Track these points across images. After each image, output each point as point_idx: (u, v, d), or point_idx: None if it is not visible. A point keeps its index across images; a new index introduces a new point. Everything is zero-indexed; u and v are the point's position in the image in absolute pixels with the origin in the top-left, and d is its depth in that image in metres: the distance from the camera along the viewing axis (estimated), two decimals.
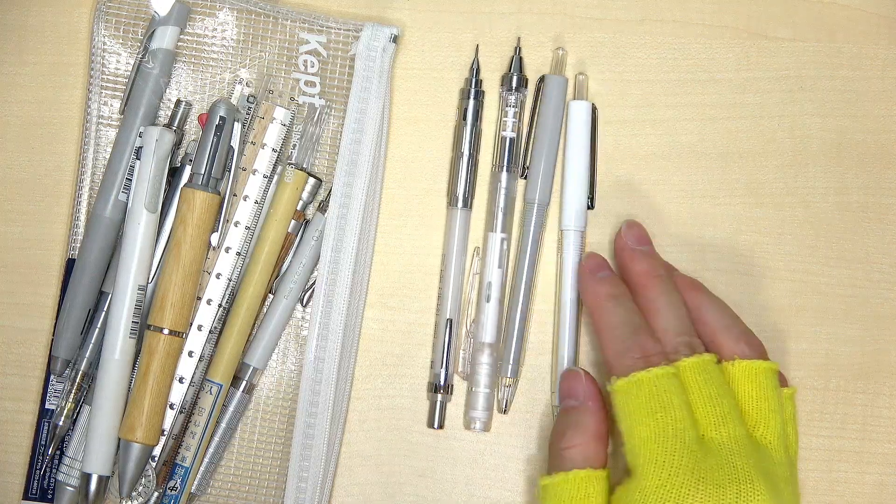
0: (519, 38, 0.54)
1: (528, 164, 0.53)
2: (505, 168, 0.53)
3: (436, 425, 0.52)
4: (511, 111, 0.53)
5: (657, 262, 0.51)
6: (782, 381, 0.50)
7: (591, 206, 0.53)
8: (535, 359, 0.53)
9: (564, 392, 0.50)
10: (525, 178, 0.53)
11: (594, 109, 0.54)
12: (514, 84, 0.53)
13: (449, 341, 0.52)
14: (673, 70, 0.55)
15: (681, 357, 0.47)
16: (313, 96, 0.53)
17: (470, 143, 0.53)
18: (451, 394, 0.53)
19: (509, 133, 0.53)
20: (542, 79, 0.54)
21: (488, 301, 0.52)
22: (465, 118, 0.53)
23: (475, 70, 0.54)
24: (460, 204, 0.53)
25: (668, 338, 0.48)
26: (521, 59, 0.54)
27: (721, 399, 0.47)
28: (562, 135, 0.54)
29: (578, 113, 0.53)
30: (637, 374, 0.47)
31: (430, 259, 0.54)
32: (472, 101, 0.53)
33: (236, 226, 0.51)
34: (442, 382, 0.52)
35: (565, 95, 0.54)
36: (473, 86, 0.54)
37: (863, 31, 0.55)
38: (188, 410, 0.51)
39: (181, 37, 0.53)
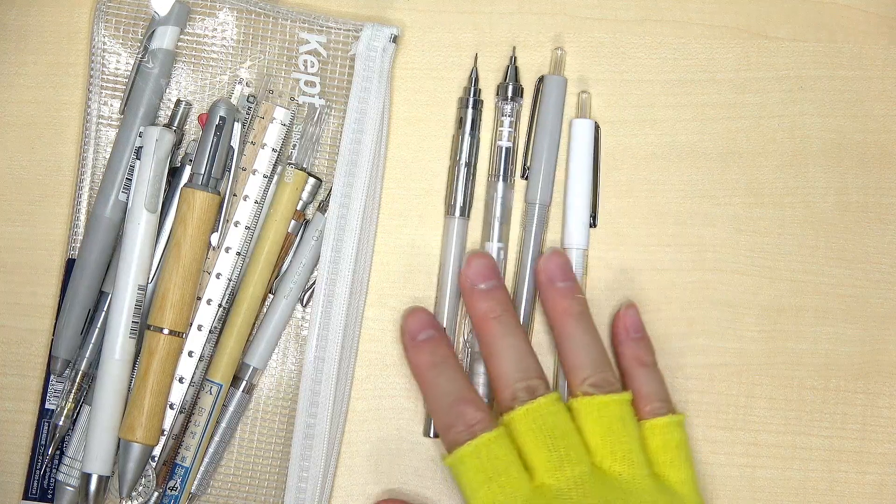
0: (514, 48, 0.54)
1: (528, 164, 0.53)
2: (501, 177, 0.53)
3: (431, 434, 0.52)
4: (507, 121, 0.53)
5: (495, 302, 0.50)
6: (659, 409, 0.50)
7: (593, 225, 0.53)
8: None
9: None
10: (526, 178, 0.53)
11: (597, 128, 0.53)
12: (509, 93, 0.53)
13: None
14: (673, 70, 0.55)
15: (517, 405, 0.48)
16: (313, 96, 0.53)
17: (468, 152, 0.53)
18: None
19: (505, 143, 0.53)
20: (541, 79, 0.54)
21: None
22: (462, 127, 0.53)
23: (474, 79, 0.54)
24: (458, 213, 0.53)
25: (506, 385, 0.48)
26: (516, 68, 0.54)
27: (557, 441, 0.47)
28: (564, 150, 0.54)
29: (581, 131, 0.53)
30: (460, 451, 0.47)
31: (430, 259, 0.54)
32: (470, 111, 0.53)
33: (236, 226, 0.51)
34: None
35: (564, 95, 0.54)
36: (472, 95, 0.53)
37: (863, 31, 0.55)
38: (188, 410, 0.51)
39: (181, 37, 0.53)
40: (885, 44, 0.55)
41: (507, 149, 0.53)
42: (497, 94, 0.54)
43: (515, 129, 0.53)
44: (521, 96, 0.54)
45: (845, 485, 0.53)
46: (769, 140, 0.55)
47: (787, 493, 0.53)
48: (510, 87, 0.53)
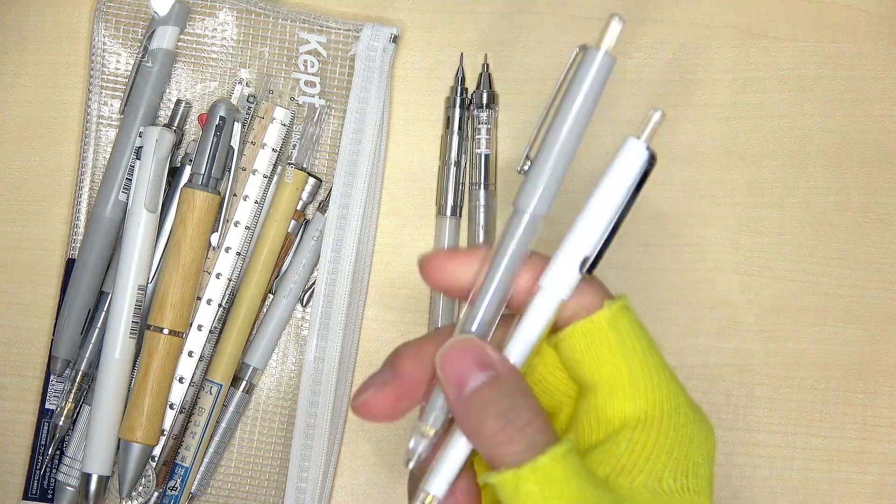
0: (486, 55, 0.54)
1: (530, 153, 0.37)
2: (482, 186, 0.53)
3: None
4: (484, 128, 0.53)
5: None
6: None
7: (589, 271, 0.37)
8: None
9: (458, 370, 0.33)
10: (523, 172, 0.37)
11: (651, 162, 0.37)
12: (484, 101, 0.53)
13: None
14: (673, 70, 0.55)
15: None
16: (313, 96, 0.53)
17: (457, 152, 0.53)
18: None
19: (484, 150, 0.53)
20: (582, 48, 0.36)
21: None
22: (450, 126, 0.53)
23: (460, 79, 0.54)
24: (448, 213, 0.53)
25: None
26: (489, 75, 0.54)
27: None
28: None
29: (632, 157, 0.37)
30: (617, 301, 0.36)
31: None
32: (457, 111, 0.53)
33: (236, 226, 0.51)
34: None
35: (606, 80, 0.37)
36: (458, 94, 0.53)
37: (863, 31, 0.55)
38: (188, 410, 0.51)
39: (181, 37, 0.53)
40: (886, 44, 0.55)
41: (486, 156, 0.53)
42: (471, 102, 0.54)
43: (494, 137, 0.53)
44: (496, 103, 0.53)
45: (845, 485, 0.53)
46: (769, 140, 0.55)
47: (787, 493, 0.53)
48: (484, 95, 0.53)
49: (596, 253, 0.36)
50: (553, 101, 0.36)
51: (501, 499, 0.32)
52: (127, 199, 0.51)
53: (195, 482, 0.52)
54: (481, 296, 0.35)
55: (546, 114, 0.37)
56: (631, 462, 0.33)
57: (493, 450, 0.32)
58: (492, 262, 0.35)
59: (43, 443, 0.52)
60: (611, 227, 0.36)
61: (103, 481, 0.49)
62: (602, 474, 0.33)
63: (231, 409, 0.52)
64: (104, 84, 0.53)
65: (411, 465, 0.35)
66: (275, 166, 0.52)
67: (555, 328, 0.35)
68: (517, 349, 0.34)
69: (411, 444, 0.35)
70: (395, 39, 0.52)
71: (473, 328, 0.35)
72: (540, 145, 0.35)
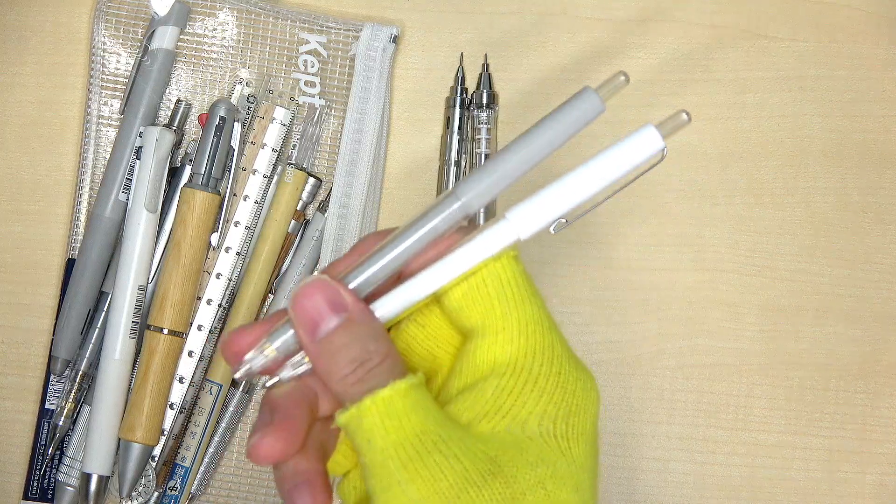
0: (486, 56, 0.54)
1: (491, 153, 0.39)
2: None
3: None
4: (484, 129, 0.53)
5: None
6: None
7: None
8: None
9: (310, 311, 0.33)
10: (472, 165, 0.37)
11: (662, 155, 0.37)
12: (484, 101, 0.53)
13: None
14: (673, 70, 0.55)
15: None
16: (313, 96, 0.53)
17: (457, 152, 0.53)
18: None
19: (484, 150, 0.53)
20: (584, 89, 0.38)
21: None
22: (450, 126, 0.53)
23: (460, 79, 0.54)
24: None
25: None
26: (489, 75, 0.54)
27: None
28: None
29: (645, 143, 0.37)
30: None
31: None
32: (457, 111, 0.53)
33: (236, 226, 0.51)
34: None
35: (587, 120, 0.38)
36: (458, 94, 0.53)
37: (863, 31, 0.55)
38: (188, 410, 0.51)
39: (181, 37, 0.53)
40: (886, 44, 0.55)
41: (486, 156, 0.53)
42: (471, 103, 0.53)
43: (494, 137, 0.53)
44: (496, 103, 0.53)
45: (845, 485, 0.53)
46: (769, 140, 0.55)
47: (787, 493, 0.53)
48: (484, 95, 0.53)
49: (568, 219, 0.35)
50: (542, 121, 0.36)
51: (352, 442, 0.32)
52: (127, 199, 0.51)
53: (195, 482, 0.52)
54: (372, 258, 0.34)
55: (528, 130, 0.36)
56: (495, 408, 0.33)
57: (343, 390, 0.32)
58: (400, 232, 0.35)
59: (43, 443, 0.52)
60: (597, 200, 0.35)
61: (103, 481, 0.49)
62: (465, 420, 0.33)
63: (231, 409, 0.52)
64: (104, 84, 0.53)
65: (238, 373, 0.35)
66: (275, 166, 0.52)
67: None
68: (437, 273, 0.34)
69: (248, 356, 0.34)
70: (395, 39, 0.52)
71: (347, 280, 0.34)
72: (502, 148, 0.36)
